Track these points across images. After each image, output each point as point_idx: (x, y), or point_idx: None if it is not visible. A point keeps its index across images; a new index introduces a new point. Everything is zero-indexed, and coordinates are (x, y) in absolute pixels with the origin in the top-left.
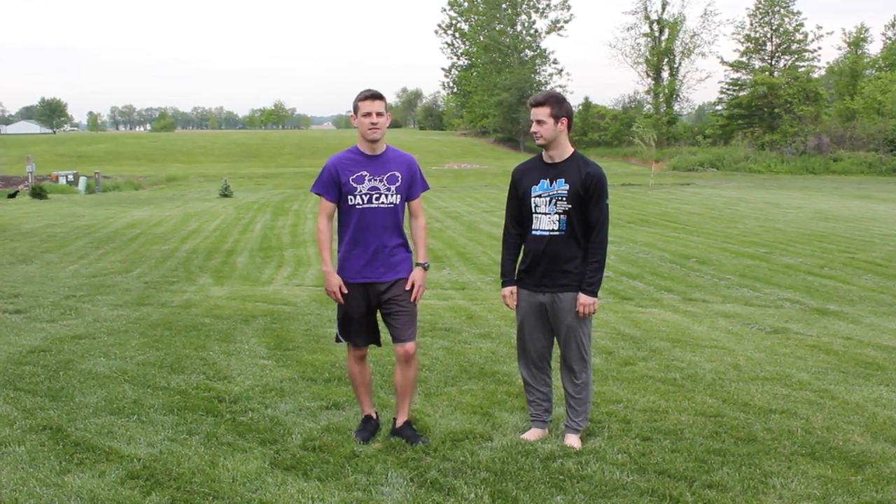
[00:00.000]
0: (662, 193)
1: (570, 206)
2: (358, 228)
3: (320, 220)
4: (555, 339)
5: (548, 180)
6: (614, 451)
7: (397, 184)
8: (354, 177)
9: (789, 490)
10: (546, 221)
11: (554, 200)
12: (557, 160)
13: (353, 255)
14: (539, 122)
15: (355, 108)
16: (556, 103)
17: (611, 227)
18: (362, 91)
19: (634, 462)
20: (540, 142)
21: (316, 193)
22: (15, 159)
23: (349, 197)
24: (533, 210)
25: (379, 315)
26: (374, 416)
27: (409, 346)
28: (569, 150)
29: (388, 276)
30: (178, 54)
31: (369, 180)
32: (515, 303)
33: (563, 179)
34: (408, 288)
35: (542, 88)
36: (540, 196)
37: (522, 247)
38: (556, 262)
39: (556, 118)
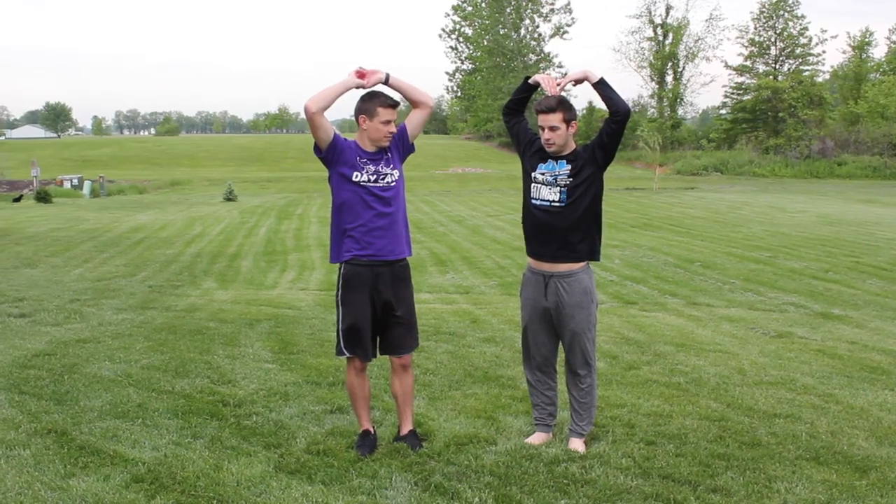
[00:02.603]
0: (667, 197)
1: (571, 180)
2: (364, 205)
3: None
4: (559, 344)
5: (553, 160)
6: (618, 456)
7: (392, 161)
8: (362, 161)
9: (793, 494)
10: (546, 192)
11: (555, 177)
12: (560, 155)
13: (357, 234)
14: (552, 128)
15: (372, 111)
16: (567, 107)
17: (615, 230)
18: (384, 96)
19: (639, 466)
20: (552, 149)
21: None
22: (20, 163)
23: (355, 174)
24: (533, 180)
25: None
26: (373, 430)
27: (406, 357)
28: (573, 146)
29: (396, 252)
30: (182, 58)
31: (375, 168)
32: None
33: (565, 161)
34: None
35: (547, 93)
36: (543, 174)
37: (525, 218)
38: (555, 233)
39: (568, 122)
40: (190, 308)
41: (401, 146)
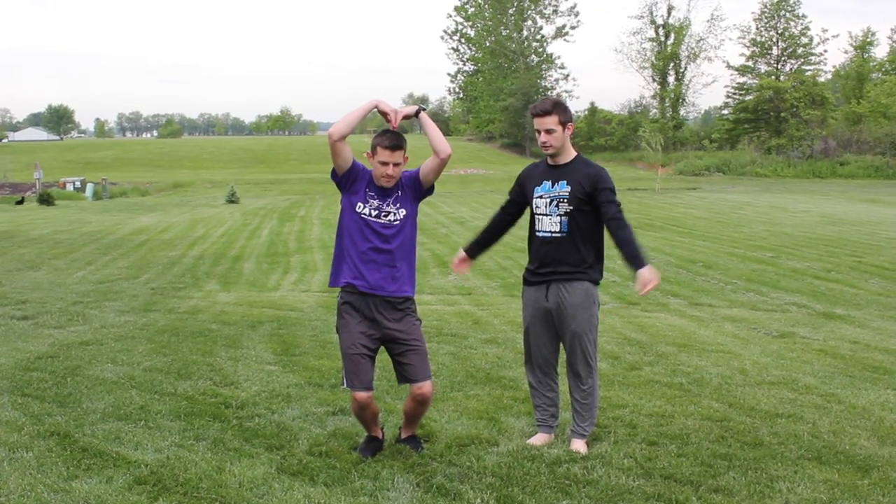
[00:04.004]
0: (669, 198)
1: (570, 207)
2: (362, 236)
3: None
4: (560, 345)
5: (550, 182)
6: (620, 456)
7: (400, 197)
8: (370, 193)
9: (795, 494)
10: (547, 223)
11: (555, 202)
12: (561, 163)
13: (353, 261)
14: (548, 131)
15: (373, 149)
16: (563, 109)
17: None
18: (384, 134)
19: (640, 467)
20: (550, 151)
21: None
22: (23, 166)
23: (359, 204)
24: (535, 210)
25: (387, 357)
26: (381, 435)
27: (427, 386)
28: (572, 153)
29: (391, 289)
30: (184, 60)
31: (378, 203)
32: (457, 268)
33: (566, 181)
34: (394, 114)
35: (549, 93)
36: (541, 197)
37: (529, 246)
38: (560, 264)
39: (564, 125)
40: (192, 310)
41: (414, 187)
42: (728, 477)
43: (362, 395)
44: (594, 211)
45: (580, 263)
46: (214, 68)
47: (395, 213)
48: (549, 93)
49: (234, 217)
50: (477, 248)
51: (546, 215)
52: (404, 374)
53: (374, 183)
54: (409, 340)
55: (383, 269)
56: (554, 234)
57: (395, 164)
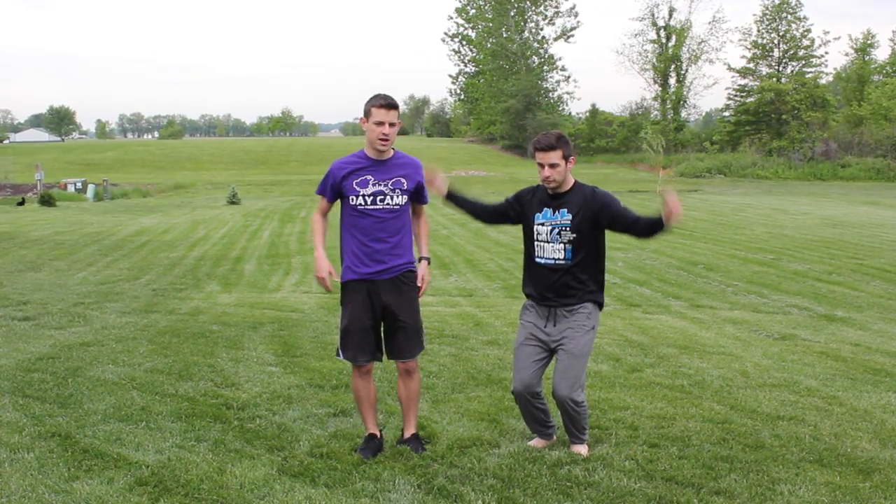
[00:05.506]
0: None
1: (574, 235)
2: (361, 230)
3: (315, 214)
4: (549, 364)
5: (551, 209)
6: (622, 458)
7: (402, 187)
8: (358, 181)
9: (797, 497)
10: (550, 250)
11: (557, 230)
12: (561, 192)
13: (355, 254)
14: (552, 165)
15: (367, 113)
16: (566, 143)
17: (618, 233)
18: (377, 96)
19: (642, 469)
20: (552, 185)
21: (318, 194)
22: (24, 167)
23: (351, 198)
24: (535, 237)
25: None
26: (379, 434)
27: (410, 362)
28: (571, 181)
29: (391, 273)
30: (186, 62)
31: (374, 185)
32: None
33: (567, 209)
34: (418, 283)
35: (550, 95)
36: (542, 224)
37: (527, 272)
38: (565, 290)
39: (567, 158)
40: (193, 311)
41: (417, 187)
42: (729, 479)
43: (364, 365)
44: (597, 237)
45: (584, 289)
46: (216, 70)
47: (393, 196)
48: (550, 94)
49: (235, 218)
50: (460, 198)
51: (548, 242)
52: (392, 350)
53: (369, 156)
54: (403, 317)
55: (387, 256)
56: (558, 262)
57: (391, 124)
